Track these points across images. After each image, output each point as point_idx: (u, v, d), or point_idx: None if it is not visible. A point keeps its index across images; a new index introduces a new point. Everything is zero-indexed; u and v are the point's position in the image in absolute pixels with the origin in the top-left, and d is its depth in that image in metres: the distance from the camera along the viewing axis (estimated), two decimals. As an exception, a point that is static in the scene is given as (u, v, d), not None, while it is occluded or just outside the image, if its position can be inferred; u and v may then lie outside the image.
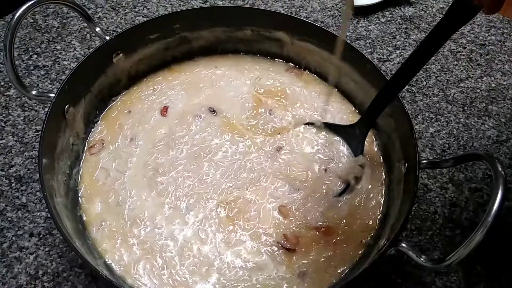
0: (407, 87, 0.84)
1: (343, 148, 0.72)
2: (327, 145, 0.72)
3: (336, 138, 0.73)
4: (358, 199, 0.68)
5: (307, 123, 0.75)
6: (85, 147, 0.71)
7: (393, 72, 0.88)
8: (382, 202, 0.68)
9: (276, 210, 0.65)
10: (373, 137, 0.74)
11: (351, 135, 0.71)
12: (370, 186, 0.69)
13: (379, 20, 0.98)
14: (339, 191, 0.68)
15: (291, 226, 0.64)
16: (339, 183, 0.68)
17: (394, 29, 0.96)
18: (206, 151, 0.71)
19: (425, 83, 0.87)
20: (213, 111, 0.76)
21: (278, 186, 0.68)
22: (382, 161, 0.72)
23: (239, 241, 0.62)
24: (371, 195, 0.68)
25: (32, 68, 0.84)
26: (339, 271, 0.61)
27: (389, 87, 0.64)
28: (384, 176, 0.70)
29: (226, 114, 0.76)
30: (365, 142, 0.71)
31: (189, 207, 0.65)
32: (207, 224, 0.64)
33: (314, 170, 0.69)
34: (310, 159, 0.71)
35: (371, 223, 0.66)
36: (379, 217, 0.66)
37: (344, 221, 0.65)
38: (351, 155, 0.71)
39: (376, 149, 0.74)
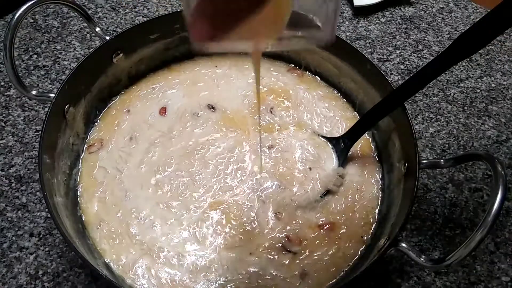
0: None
1: (332, 153, 0.72)
2: (317, 146, 0.72)
3: (327, 144, 0.73)
4: (351, 191, 0.68)
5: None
6: (85, 147, 0.71)
7: (393, 72, 0.88)
8: (379, 198, 0.68)
9: (270, 211, 0.65)
10: (369, 135, 0.75)
11: (336, 146, 0.72)
12: (364, 182, 0.70)
13: (379, 20, 0.98)
14: (321, 194, 0.68)
15: (291, 227, 0.64)
16: (320, 187, 0.69)
17: (394, 29, 0.96)
18: (199, 148, 0.70)
19: (425, 83, 0.87)
20: (211, 107, 0.76)
21: (267, 183, 0.68)
22: (376, 155, 0.73)
23: (237, 242, 0.62)
24: (367, 190, 0.69)
25: (32, 68, 0.84)
26: (339, 270, 0.61)
27: (377, 110, 0.66)
28: (378, 172, 0.71)
29: (225, 110, 0.76)
30: (361, 139, 0.72)
31: (183, 208, 0.65)
32: (204, 225, 0.63)
33: (299, 168, 0.70)
34: (298, 157, 0.71)
35: (370, 218, 0.66)
36: (377, 212, 0.67)
37: (344, 216, 0.66)
38: (336, 164, 0.71)
39: (371, 144, 0.74)
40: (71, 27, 0.91)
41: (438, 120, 0.82)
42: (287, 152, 0.71)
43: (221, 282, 0.59)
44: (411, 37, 0.95)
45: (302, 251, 0.62)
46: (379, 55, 0.91)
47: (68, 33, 0.90)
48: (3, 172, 0.71)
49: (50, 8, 0.94)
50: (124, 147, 0.71)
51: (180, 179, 0.67)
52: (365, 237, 0.64)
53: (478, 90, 0.87)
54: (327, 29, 0.37)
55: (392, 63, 0.90)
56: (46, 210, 0.66)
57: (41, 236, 0.65)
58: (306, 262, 0.61)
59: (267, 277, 0.60)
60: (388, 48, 0.93)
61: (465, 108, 0.84)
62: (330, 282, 0.60)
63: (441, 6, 1.01)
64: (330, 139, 0.73)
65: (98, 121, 0.74)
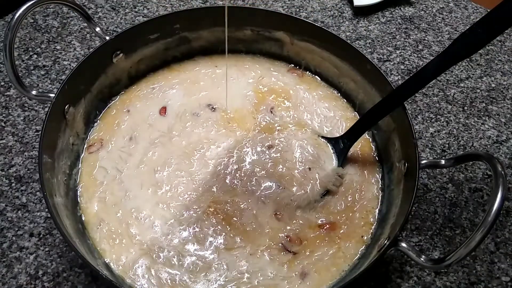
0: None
1: (331, 153, 0.72)
2: (316, 146, 0.72)
3: (327, 144, 0.73)
4: (351, 191, 0.68)
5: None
6: (85, 147, 0.71)
7: (393, 72, 0.88)
8: (379, 198, 0.68)
9: (270, 211, 0.65)
10: (369, 135, 0.75)
11: (336, 146, 0.72)
12: (364, 182, 0.70)
13: (379, 20, 0.98)
14: (321, 194, 0.68)
15: (291, 227, 0.64)
16: (319, 187, 0.69)
17: (394, 29, 0.96)
18: (199, 148, 0.71)
19: (425, 83, 0.87)
20: (211, 107, 0.76)
21: (266, 183, 0.68)
22: (376, 155, 0.73)
23: (237, 243, 0.62)
24: (366, 190, 0.69)
25: (32, 68, 0.84)
26: (339, 270, 0.61)
27: (377, 110, 0.66)
28: (378, 172, 0.71)
29: (226, 109, 0.76)
30: (361, 139, 0.72)
31: (183, 208, 0.65)
32: (204, 225, 0.63)
33: (299, 168, 0.70)
34: (297, 158, 0.71)
35: (370, 218, 0.66)
36: (377, 212, 0.67)
37: (344, 216, 0.66)
38: (335, 164, 0.71)
39: (372, 144, 0.74)
40: (71, 27, 0.91)
41: (438, 120, 0.82)
42: (286, 152, 0.71)
43: (221, 282, 0.59)
44: (411, 37, 0.95)
45: (302, 251, 0.62)
46: (379, 55, 0.91)
47: (68, 33, 0.90)
48: (3, 172, 0.71)
49: (50, 8, 0.94)
50: (124, 147, 0.71)
51: (180, 179, 0.67)
52: (365, 237, 0.64)
53: (478, 90, 0.87)
54: None
55: (392, 63, 0.90)
56: (46, 210, 0.66)
57: (41, 236, 0.65)
58: (306, 262, 0.61)
59: (267, 277, 0.60)
60: (388, 48, 0.93)
61: (465, 108, 0.84)
62: (330, 282, 0.60)
63: (441, 6, 1.01)
64: (329, 139, 0.73)
65: (98, 121, 0.74)
